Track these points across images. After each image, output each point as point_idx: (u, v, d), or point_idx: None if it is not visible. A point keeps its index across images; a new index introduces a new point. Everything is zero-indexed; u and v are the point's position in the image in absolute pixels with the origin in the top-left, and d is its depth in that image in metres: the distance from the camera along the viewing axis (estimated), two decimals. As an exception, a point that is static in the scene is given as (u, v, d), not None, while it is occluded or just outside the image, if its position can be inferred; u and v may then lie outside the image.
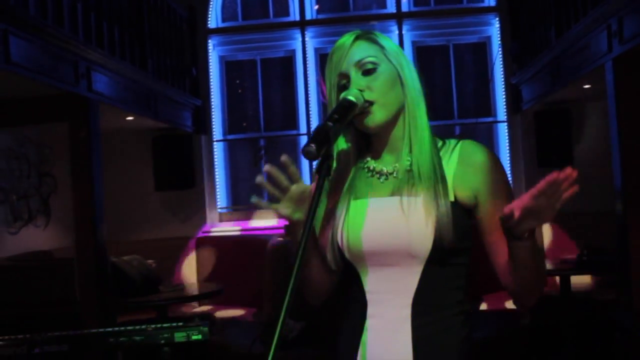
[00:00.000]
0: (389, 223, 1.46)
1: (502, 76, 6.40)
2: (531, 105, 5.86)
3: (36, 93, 4.08)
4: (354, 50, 1.54)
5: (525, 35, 5.90)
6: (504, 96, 6.41)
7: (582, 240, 5.39)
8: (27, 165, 5.35)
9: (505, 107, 6.40)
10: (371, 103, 1.50)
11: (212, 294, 5.07)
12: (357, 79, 1.52)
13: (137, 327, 3.19)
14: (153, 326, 3.19)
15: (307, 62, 6.63)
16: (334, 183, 1.59)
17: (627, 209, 3.86)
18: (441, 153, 1.55)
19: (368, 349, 1.48)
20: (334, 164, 1.42)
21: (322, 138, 1.33)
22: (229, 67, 6.87)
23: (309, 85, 6.59)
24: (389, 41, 1.59)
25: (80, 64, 4.11)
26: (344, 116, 1.43)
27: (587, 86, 5.11)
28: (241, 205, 6.72)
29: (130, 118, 5.47)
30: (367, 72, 1.52)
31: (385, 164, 1.58)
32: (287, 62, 6.82)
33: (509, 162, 6.35)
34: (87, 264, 4.20)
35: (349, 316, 1.56)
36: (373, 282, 1.51)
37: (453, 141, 1.56)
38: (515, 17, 6.19)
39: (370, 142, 1.62)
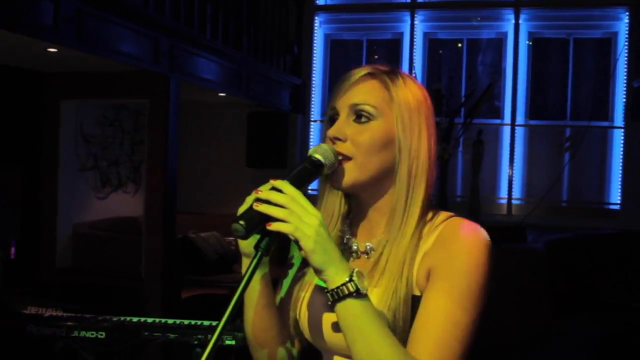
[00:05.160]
0: None
1: (625, 78, 5.83)
2: (652, 114, 5.30)
3: (119, 68, 4.14)
4: (356, 88, 1.30)
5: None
6: (624, 100, 5.84)
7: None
8: (121, 133, 5.51)
9: (624, 112, 5.84)
10: (347, 159, 1.27)
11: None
12: (344, 123, 1.29)
13: (174, 322, 3.21)
14: (188, 322, 3.21)
15: (415, 46, 6.36)
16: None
17: None
18: (425, 230, 1.30)
19: None
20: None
21: (257, 214, 1.13)
22: (334, 46, 6.72)
23: (413, 71, 6.32)
24: (412, 92, 1.30)
25: (162, 42, 4.12)
26: (304, 181, 1.20)
27: None
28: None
29: (222, 94, 5.49)
30: (359, 120, 1.28)
31: (360, 237, 1.37)
32: (394, 45, 6.58)
33: (620, 173, 5.81)
34: (154, 238, 4.27)
35: None
36: None
37: (441, 217, 1.29)
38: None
39: (349, 205, 1.39)
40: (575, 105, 6.09)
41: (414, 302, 1.22)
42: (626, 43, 5.82)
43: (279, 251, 1.32)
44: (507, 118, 6.15)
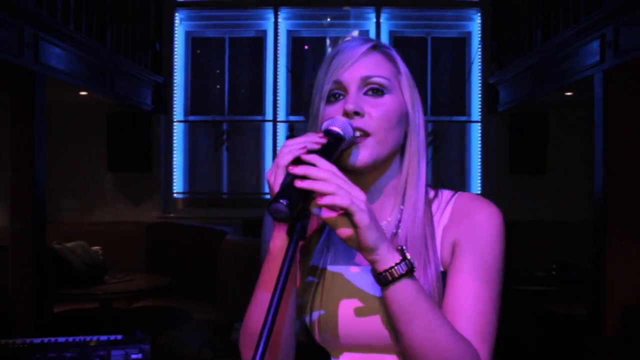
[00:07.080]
0: (370, 303, 1.18)
1: (480, 75, 6.16)
2: (507, 108, 5.63)
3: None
4: (365, 61, 1.21)
5: (507, 34, 5.66)
6: (479, 96, 6.17)
7: (554, 251, 5.20)
8: (-34, 137, 4.92)
9: (480, 107, 6.17)
10: (365, 134, 1.17)
11: (161, 288, 4.74)
12: (356, 98, 1.18)
13: (70, 339, 2.87)
14: (83, 338, 2.89)
15: (279, 44, 6.30)
16: (309, 237, 1.29)
17: (606, 221, 3.64)
18: (434, 207, 1.26)
19: None
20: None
21: (297, 190, 0.99)
22: (195, 44, 6.49)
23: (278, 69, 6.26)
24: (406, 67, 1.29)
25: (26, 32, 3.72)
26: (329, 156, 1.08)
27: (569, 93, 4.89)
28: (198, 192, 6.38)
29: (83, 93, 5.09)
30: (373, 94, 1.20)
31: None
32: (257, 43, 6.47)
33: (479, 164, 6.13)
34: (22, 251, 3.84)
35: None
36: None
37: (447, 193, 1.27)
38: (498, 14, 5.94)
39: None
40: (435, 101, 6.33)
41: (443, 277, 1.19)
42: (479, 42, 6.16)
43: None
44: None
